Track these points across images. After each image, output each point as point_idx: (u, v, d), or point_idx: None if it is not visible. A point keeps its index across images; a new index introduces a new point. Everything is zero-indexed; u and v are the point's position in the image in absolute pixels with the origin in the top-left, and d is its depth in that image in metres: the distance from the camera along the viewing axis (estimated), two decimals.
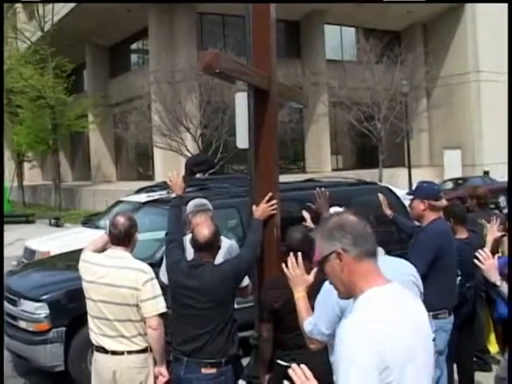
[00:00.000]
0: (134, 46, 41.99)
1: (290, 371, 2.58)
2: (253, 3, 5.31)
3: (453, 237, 6.05)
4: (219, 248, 4.96)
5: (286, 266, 3.84)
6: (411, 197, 5.97)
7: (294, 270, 3.81)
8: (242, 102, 5.43)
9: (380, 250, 4.09)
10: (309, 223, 5.89)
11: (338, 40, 41.27)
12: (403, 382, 2.47)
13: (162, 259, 5.83)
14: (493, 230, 5.94)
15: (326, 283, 3.78)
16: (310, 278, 3.84)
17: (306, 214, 5.99)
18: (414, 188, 6.10)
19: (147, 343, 4.96)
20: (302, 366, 2.59)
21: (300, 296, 3.79)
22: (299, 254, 3.91)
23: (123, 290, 4.84)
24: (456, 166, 40.66)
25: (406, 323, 2.55)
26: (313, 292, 3.80)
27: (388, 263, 3.86)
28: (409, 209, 6.57)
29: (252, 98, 5.33)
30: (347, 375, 2.38)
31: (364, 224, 2.72)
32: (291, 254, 3.89)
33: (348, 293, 2.71)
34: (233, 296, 4.96)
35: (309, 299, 3.85)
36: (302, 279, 3.80)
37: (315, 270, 3.82)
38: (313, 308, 3.81)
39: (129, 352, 4.94)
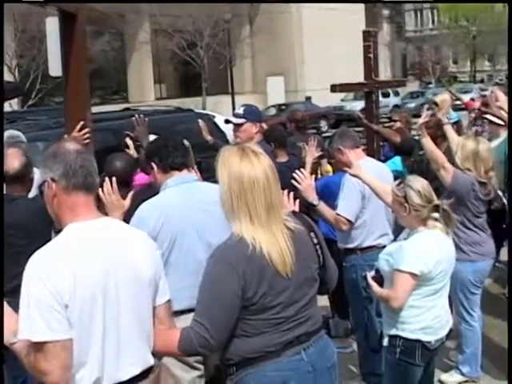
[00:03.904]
0: None
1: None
2: None
3: (274, 160, 6.11)
4: (32, 180, 4.74)
5: (102, 191, 3.73)
6: (241, 120, 5.90)
7: (110, 195, 3.72)
8: (53, 27, 5.20)
9: (190, 175, 4.07)
10: (132, 151, 5.76)
11: None
12: (94, 321, 2.49)
13: None
14: (311, 151, 6.03)
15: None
16: (126, 203, 3.78)
17: (129, 142, 5.86)
18: (241, 111, 6.01)
19: None
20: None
21: None
22: (114, 179, 3.80)
23: None
24: (279, 92, 41.38)
25: (97, 263, 2.53)
26: (129, 217, 3.72)
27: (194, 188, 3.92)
28: (231, 134, 6.55)
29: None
30: (27, 308, 2.44)
31: (80, 156, 2.64)
32: (107, 179, 3.78)
33: (58, 224, 2.66)
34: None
35: None
36: (117, 205, 3.72)
37: (131, 195, 3.82)
38: None
39: None
